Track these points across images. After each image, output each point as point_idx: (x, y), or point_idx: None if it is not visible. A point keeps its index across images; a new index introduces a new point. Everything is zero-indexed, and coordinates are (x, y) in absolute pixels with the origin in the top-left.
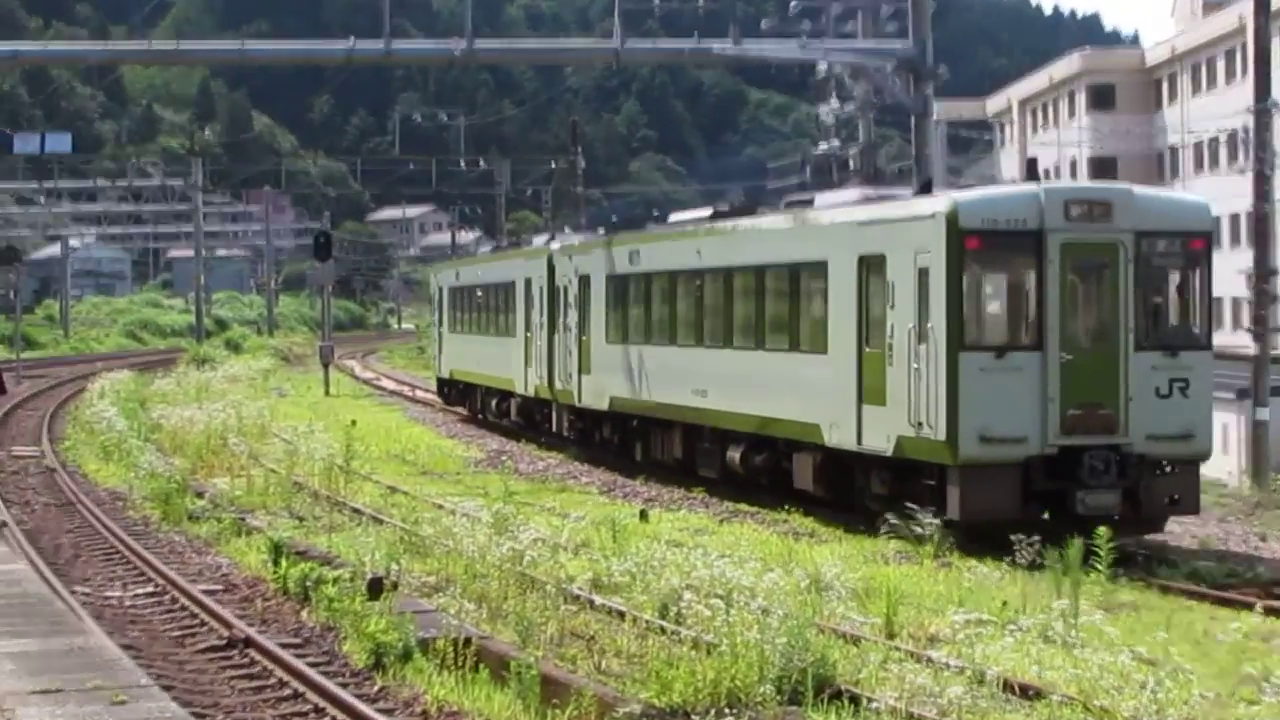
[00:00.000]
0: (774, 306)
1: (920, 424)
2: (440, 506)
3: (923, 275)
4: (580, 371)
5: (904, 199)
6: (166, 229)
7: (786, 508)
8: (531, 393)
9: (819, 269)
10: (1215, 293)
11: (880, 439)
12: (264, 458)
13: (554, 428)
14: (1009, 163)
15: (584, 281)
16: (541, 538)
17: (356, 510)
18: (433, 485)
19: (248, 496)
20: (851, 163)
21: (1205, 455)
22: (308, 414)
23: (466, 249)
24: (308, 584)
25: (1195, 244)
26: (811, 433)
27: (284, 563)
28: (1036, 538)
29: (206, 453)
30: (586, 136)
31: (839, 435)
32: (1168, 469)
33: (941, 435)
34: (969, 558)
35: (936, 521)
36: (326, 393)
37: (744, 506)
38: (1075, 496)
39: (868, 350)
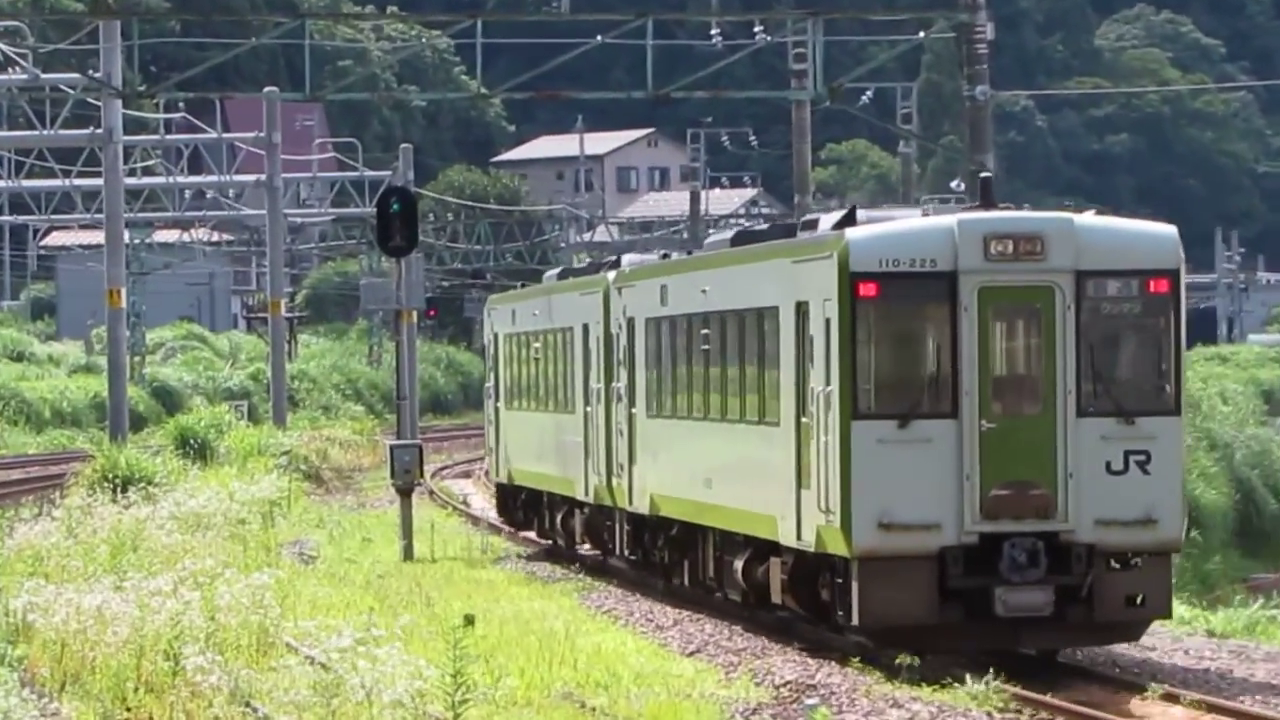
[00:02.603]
0: (751, 366)
1: (827, 509)
2: None
3: (829, 327)
4: (630, 460)
5: (822, 232)
6: (42, 183)
7: None
8: (593, 498)
9: (775, 316)
10: None
11: (810, 530)
12: (267, 699)
13: (615, 547)
14: None
15: (630, 328)
16: None
17: None
18: None
19: None
20: None
21: (1174, 545)
22: (365, 602)
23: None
24: None
25: (1157, 285)
26: (769, 527)
27: None
28: None
29: (137, 689)
30: None
31: (785, 528)
32: (1130, 562)
33: (838, 522)
34: None
35: None
36: (408, 556)
37: None
38: (994, 594)
39: (803, 420)
